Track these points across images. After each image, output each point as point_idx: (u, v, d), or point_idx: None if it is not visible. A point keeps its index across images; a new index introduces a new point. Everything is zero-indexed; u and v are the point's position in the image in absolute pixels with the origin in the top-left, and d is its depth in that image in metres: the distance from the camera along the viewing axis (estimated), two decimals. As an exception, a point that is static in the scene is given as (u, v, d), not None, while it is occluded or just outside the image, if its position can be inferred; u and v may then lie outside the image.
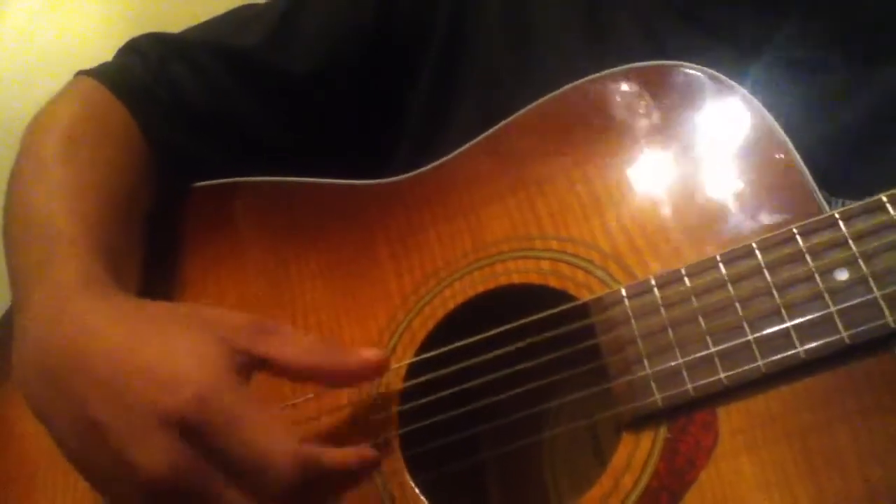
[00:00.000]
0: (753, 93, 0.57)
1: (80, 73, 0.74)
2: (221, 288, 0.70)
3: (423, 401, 0.58)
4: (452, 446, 0.58)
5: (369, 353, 0.56)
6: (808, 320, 0.48)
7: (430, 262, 0.63)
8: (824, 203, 0.52)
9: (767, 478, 0.47)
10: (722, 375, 0.49)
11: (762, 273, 0.50)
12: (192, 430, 0.49)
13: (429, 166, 0.67)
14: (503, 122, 0.65)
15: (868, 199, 0.50)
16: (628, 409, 0.51)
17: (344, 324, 0.64)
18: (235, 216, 0.73)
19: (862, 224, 0.49)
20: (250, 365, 0.53)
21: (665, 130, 0.59)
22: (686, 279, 0.52)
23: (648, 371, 0.51)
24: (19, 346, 0.56)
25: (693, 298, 0.52)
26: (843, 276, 0.49)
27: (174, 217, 0.74)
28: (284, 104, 0.76)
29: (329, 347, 0.56)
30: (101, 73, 0.73)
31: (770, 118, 0.55)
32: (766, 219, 0.53)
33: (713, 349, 0.50)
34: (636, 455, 0.51)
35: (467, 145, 0.66)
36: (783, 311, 0.49)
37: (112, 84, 0.72)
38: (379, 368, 0.57)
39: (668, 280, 0.53)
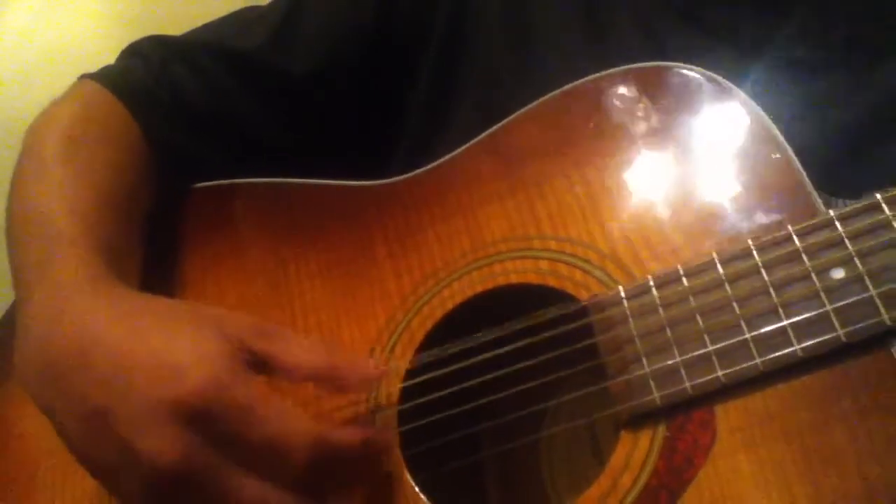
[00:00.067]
0: (753, 93, 0.57)
1: (83, 76, 0.75)
2: (221, 288, 0.70)
3: (423, 400, 0.58)
4: (451, 445, 0.58)
5: (368, 368, 0.56)
6: (805, 319, 0.49)
7: (428, 262, 0.63)
8: (820, 203, 0.52)
9: (765, 476, 0.47)
10: (720, 374, 0.50)
11: (759, 272, 0.51)
12: (202, 419, 0.49)
13: (427, 167, 0.68)
14: (502, 123, 0.65)
15: (864, 200, 0.50)
16: (626, 408, 0.51)
17: (343, 324, 0.64)
18: (235, 217, 0.73)
19: (858, 224, 0.49)
20: (253, 363, 0.53)
21: (663, 131, 0.59)
22: (684, 279, 0.53)
23: (647, 370, 0.51)
24: (21, 345, 0.56)
25: (691, 298, 0.52)
26: (839, 274, 0.49)
27: (174, 217, 0.74)
28: (284, 104, 0.76)
29: (330, 354, 0.55)
30: (102, 76, 0.74)
31: (767, 119, 0.56)
32: (763, 219, 0.53)
33: (711, 348, 0.50)
34: (635, 454, 0.51)
35: (466, 145, 0.66)
36: (780, 309, 0.49)
37: (113, 86, 0.72)
38: (376, 381, 0.58)
39: (666, 280, 0.53)
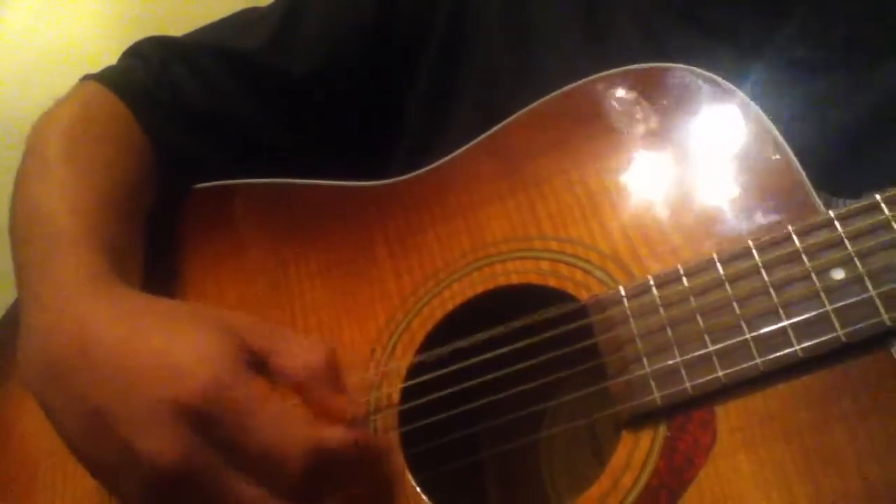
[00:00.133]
0: (753, 93, 0.57)
1: (85, 77, 0.75)
2: (221, 288, 0.70)
3: (424, 400, 0.58)
4: (452, 445, 0.58)
5: (352, 414, 0.55)
6: (805, 319, 0.49)
7: (429, 262, 0.63)
8: (820, 203, 0.52)
9: (766, 476, 0.47)
10: (720, 374, 0.50)
11: (759, 273, 0.51)
12: (202, 420, 0.49)
13: (427, 167, 0.68)
14: (502, 124, 0.65)
15: (864, 200, 0.50)
16: (627, 408, 0.52)
17: (344, 324, 0.64)
18: (235, 217, 0.73)
19: (857, 224, 0.50)
20: (253, 363, 0.53)
21: (663, 132, 0.59)
22: (684, 279, 0.53)
23: (647, 370, 0.52)
24: (23, 345, 0.57)
25: (691, 298, 0.52)
26: (839, 275, 0.49)
27: (174, 218, 0.74)
28: (284, 104, 0.76)
29: (329, 355, 0.55)
30: (104, 77, 0.74)
31: (766, 120, 0.56)
32: (762, 219, 0.53)
33: (711, 348, 0.50)
34: (636, 454, 0.51)
35: (466, 146, 0.66)
36: (780, 310, 0.49)
37: (115, 86, 0.72)
38: (374, 384, 0.58)
39: (667, 280, 0.53)
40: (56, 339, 0.55)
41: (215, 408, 0.49)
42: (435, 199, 0.65)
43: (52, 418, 0.54)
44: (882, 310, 0.47)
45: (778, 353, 0.49)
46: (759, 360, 0.49)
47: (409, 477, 0.57)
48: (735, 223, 0.54)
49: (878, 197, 0.50)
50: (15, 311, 0.71)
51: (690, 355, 0.51)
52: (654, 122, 0.59)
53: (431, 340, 0.60)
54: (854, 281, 0.48)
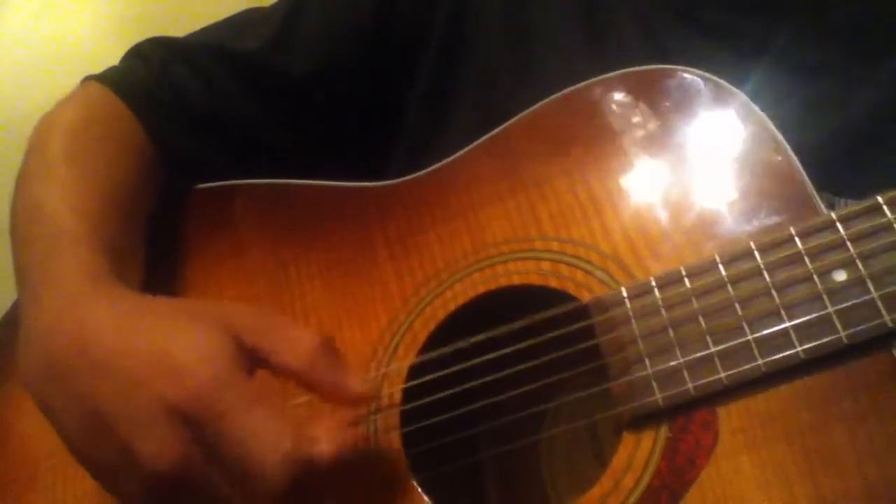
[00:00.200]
0: (753, 93, 0.57)
1: (87, 77, 0.75)
2: (221, 289, 0.70)
3: (425, 401, 0.58)
4: (452, 445, 0.58)
5: (363, 387, 0.54)
6: (807, 320, 0.49)
7: (430, 263, 0.63)
8: (822, 205, 0.52)
9: (767, 477, 0.48)
10: (722, 375, 0.50)
11: (761, 274, 0.51)
12: (193, 423, 0.49)
13: (428, 169, 0.68)
14: (503, 125, 0.65)
15: (865, 202, 0.50)
16: (629, 409, 0.52)
17: (344, 325, 0.64)
18: (235, 217, 0.73)
19: (859, 226, 0.50)
20: (253, 361, 0.53)
21: (664, 133, 0.59)
22: (686, 280, 0.53)
23: (649, 371, 0.52)
24: (24, 345, 0.56)
25: (693, 299, 0.52)
26: (841, 276, 0.49)
27: (175, 218, 0.74)
28: (284, 105, 0.76)
29: (330, 366, 0.54)
30: (105, 77, 0.74)
31: (767, 121, 0.56)
32: (764, 221, 0.53)
33: (713, 349, 0.50)
34: (637, 454, 0.51)
35: (466, 148, 0.66)
36: (782, 311, 0.50)
37: (116, 87, 0.72)
38: (369, 400, 0.57)
39: (669, 281, 0.53)
40: (56, 339, 0.54)
41: (200, 412, 0.49)
42: (435, 199, 0.65)
43: (51, 419, 0.54)
44: (884, 311, 0.47)
45: (780, 355, 0.49)
46: (760, 362, 0.49)
47: (410, 476, 0.57)
48: (736, 224, 0.54)
49: (879, 199, 0.50)
50: (15, 312, 0.71)
51: (692, 356, 0.51)
52: (654, 124, 0.60)
53: (434, 341, 0.60)
54: (856, 283, 0.49)
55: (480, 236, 0.62)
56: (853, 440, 0.47)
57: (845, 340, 0.48)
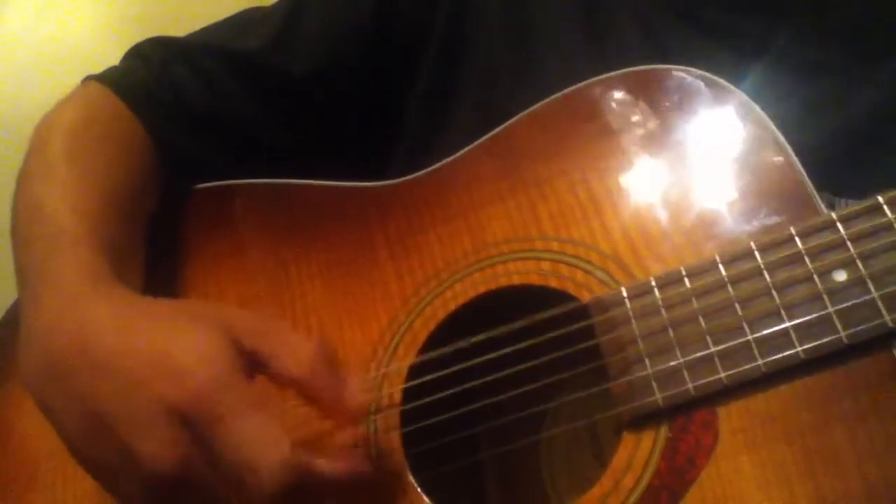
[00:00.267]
0: (754, 93, 0.57)
1: (87, 77, 0.75)
2: (222, 288, 0.70)
3: (426, 400, 0.58)
4: (452, 445, 0.58)
5: (361, 400, 0.55)
6: (807, 320, 0.49)
7: (430, 263, 0.63)
8: (822, 205, 0.52)
9: (767, 477, 0.48)
10: (722, 375, 0.50)
11: (762, 274, 0.51)
12: (191, 424, 0.49)
13: (428, 169, 0.68)
14: (503, 125, 0.65)
15: (866, 202, 0.50)
16: (629, 409, 0.52)
17: (345, 325, 0.64)
18: (235, 217, 0.73)
19: (860, 226, 0.50)
20: (252, 365, 0.53)
21: (664, 133, 0.59)
22: (686, 280, 0.53)
23: (649, 371, 0.52)
24: (24, 345, 0.56)
25: (693, 299, 0.52)
26: (841, 276, 0.49)
27: (175, 218, 0.74)
28: (285, 105, 0.76)
29: (330, 376, 0.53)
30: (105, 77, 0.74)
31: (768, 121, 0.56)
32: (764, 221, 0.53)
33: (713, 349, 0.50)
34: (637, 454, 0.51)
35: (466, 148, 0.66)
36: (782, 311, 0.50)
37: (116, 87, 0.73)
38: (365, 414, 0.57)
39: (669, 281, 0.53)
40: (56, 339, 0.54)
41: (199, 415, 0.49)
42: (435, 199, 0.65)
43: (51, 419, 0.54)
44: (884, 311, 0.47)
45: (780, 355, 0.49)
46: (760, 362, 0.49)
47: (410, 477, 0.57)
48: (737, 224, 0.54)
49: (880, 199, 0.50)
50: (15, 311, 0.71)
51: (692, 356, 0.51)
52: (654, 124, 0.60)
53: (433, 341, 0.60)
54: (856, 283, 0.49)
55: (481, 236, 0.62)
56: (853, 440, 0.47)
57: (845, 340, 0.48)
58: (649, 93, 0.60)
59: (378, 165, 0.77)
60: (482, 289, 0.60)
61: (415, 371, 0.60)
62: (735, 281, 0.51)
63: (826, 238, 0.50)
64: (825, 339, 0.48)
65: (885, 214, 0.49)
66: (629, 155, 0.59)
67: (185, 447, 0.49)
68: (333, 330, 0.64)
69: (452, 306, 0.61)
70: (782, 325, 0.49)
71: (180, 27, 0.81)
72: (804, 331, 0.49)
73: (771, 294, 0.50)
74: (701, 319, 0.51)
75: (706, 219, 0.55)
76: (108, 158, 0.68)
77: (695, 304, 0.52)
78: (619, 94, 0.62)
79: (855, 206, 0.50)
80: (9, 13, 1.28)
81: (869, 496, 0.46)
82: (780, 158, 0.54)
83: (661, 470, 0.50)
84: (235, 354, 0.52)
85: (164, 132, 0.73)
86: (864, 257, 0.49)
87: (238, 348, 0.52)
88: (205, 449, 0.49)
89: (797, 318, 0.49)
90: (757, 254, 0.51)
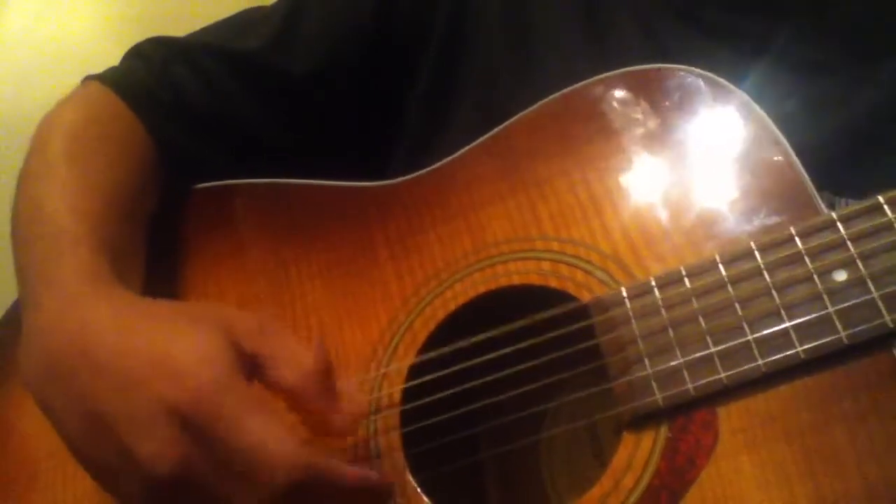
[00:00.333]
0: (754, 93, 0.57)
1: (87, 77, 0.75)
2: (221, 289, 0.70)
3: (426, 400, 0.58)
4: (452, 445, 0.58)
5: (348, 423, 0.54)
6: (807, 320, 0.49)
7: (430, 263, 0.63)
8: (822, 205, 0.52)
9: (767, 477, 0.47)
10: (722, 375, 0.50)
11: (762, 274, 0.51)
12: (192, 425, 0.49)
13: (428, 169, 0.68)
14: (502, 125, 0.65)
15: (866, 201, 0.50)
16: (629, 409, 0.52)
17: (345, 325, 0.64)
18: (235, 217, 0.73)
19: (860, 226, 0.50)
20: (251, 368, 0.53)
21: (664, 133, 0.59)
22: (686, 280, 0.53)
23: (649, 371, 0.52)
24: (24, 345, 0.56)
25: (693, 299, 0.52)
26: (841, 276, 0.49)
27: (175, 218, 0.74)
28: (285, 104, 0.76)
29: (325, 390, 0.53)
30: (105, 77, 0.74)
31: (768, 121, 0.56)
32: (764, 221, 0.53)
33: (713, 349, 0.50)
34: (637, 454, 0.51)
35: (466, 148, 0.66)
36: (782, 311, 0.50)
37: (116, 87, 0.73)
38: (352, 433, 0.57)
39: (669, 281, 0.53)
40: (57, 339, 0.54)
41: (203, 414, 0.49)
42: (436, 199, 0.65)
43: (51, 418, 0.54)
44: (884, 311, 0.47)
45: (780, 355, 0.49)
46: (760, 362, 0.49)
47: (410, 477, 0.57)
48: (737, 224, 0.54)
49: (880, 199, 0.50)
50: (15, 311, 0.71)
51: (692, 356, 0.51)
52: (654, 123, 0.60)
53: (433, 341, 0.60)
54: (856, 283, 0.48)
55: (481, 236, 0.62)
56: (853, 440, 0.47)
57: (845, 340, 0.48)
58: (649, 92, 0.60)
59: (378, 165, 0.77)
60: (482, 289, 0.60)
61: (415, 371, 0.60)
62: (735, 281, 0.51)
63: (826, 238, 0.50)
64: (825, 339, 0.48)
65: (885, 214, 0.49)
66: (629, 155, 0.59)
67: (185, 448, 0.48)
68: (333, 330, 0.64)
69: (452, 306, 0.61)
70: (782, 325, 0.49)
71: (180, 27, 0.81)
72: (804, 331, 0.49)
73: (771, 294, 0.50)
74: (701, 319, 0.51)
75: (706, 218, 0.55)
76: (108, 158, 0.68)
77: (695, 304, 0.52)
78: (619, 94, 0.61)
79: (855, 205, 0.50)
80: (9, 13, 1.28)
81: (869, 496, 0.46)
82: (781, 158, 0.54)
83: (661, 470, 0.50)
84: (235, 356, 0.52)
85: (165, 132, 0.73)
86: (865, 257, 0.49)
87: (237, 350, 0.52)
88: (205, 449, 0.49)
89: (797, 318, 0.49)
90: (757, 254, 0.51)
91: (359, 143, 0.79)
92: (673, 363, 0.51)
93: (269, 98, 0.76)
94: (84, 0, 1.31)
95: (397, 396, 0.60)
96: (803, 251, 0.50)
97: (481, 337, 0.58)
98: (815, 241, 0.50)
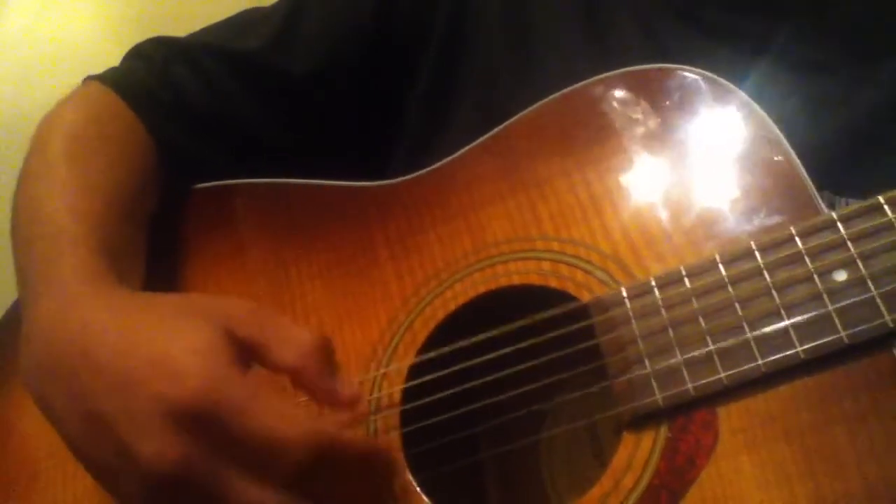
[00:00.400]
0: (754, 93, 0.57)
1: (88, 77, 0.75)
2: (222, 289, 0.70)
3: (425, 400, 0.58)
4: (452, 445, 0.58)
5: (353, 392, 0.54)
6: (807, 320, 0.49)
7: (430, 263, 0.63)
8: (822, 205, 0.52)
9: (767, 477, 0.47)
10: (722, 375, 0.50)
11: (762, 274, 0.51)
12: (201, 422, 0.49)
13: (428, 169, 0.68)
14: (502, 125, 0.65)
15: (866, 201, 0.50)
16: (629, 409, 0.52)
17: (345, 324, 0.64)
18: (235, 217, 0.73)
19: (860, 225, 0.50)
20: (248, 354, 0.53)
21: (664, 133, 0.59)
22: (686, 280, 0.53)
23: (649, 370, 0.52)
24: (25, 345, 0.56)
25: (693, 299, 0.52)
26: (841, 276, 0.49)
27: (175, 218, 0.74)
28: (285, 104, 0.76)
29: (325, 367, 0.53)
30: (106, 77, 0.74)
31: (768, 121, 0.56)
32: (764, 220, 0.53)
33: (713, 349, 0.50)
34: (637, 454, 0.51)
35: (466, 148, 0.66)
36: (782, 311, 0.50)
37: (117, 87, 0.73)
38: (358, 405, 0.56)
39: (669, 281, 0.53)
40: (57, 339, 0.54)
41: (216, 408, 0.48)
42: (436, 199, 0.65)
43: (51, 419, 0.54)
44: (884, 311, 0.47)
45: (780, 355, 0.49)
46: (760, 362, 0.49)
47: (410, 477, 0.57)
48: (737, 224, 0.54)
49: (880, 198, 0.50)
50: (15, 312, 0.71)
51: (692, 356, 0.51)
52: (654, 123, 0.60)
53: (433, 341, 0.60)
54: (856, 283, 0.48)
55: (481, 236, 0.62)
56: (853, 440, 0.47)
57: (846, 340, 0.48)
58: (650, 92, 0.60)
59: (378, 165, 0.77)
60: (482, 289, 0.60)
61: (415, 371, 0.60)
62: (735, 281, 0.51)
63: (826, 238, 0.50)
64: (825, 339, 0.48)
65: (885, 214, 0.49)
66: (629, 154, 0.59)
67: (186, 447, 0.48)
68: (333, 330, 0.64)
69: (452, 306, 0.61)
70: (782, 325, 0.49)
71: (180, 27, 0.81)
72: (804, 330, 0.49)
73: (771, 294, 0.50)
74: (701, 319, 0.51)
75: (706, 218, 0.55)
76: (108, 158, 0.68)
77: (695, 303, 0.52)
78: (619, 94, 0.62)
79: (855, 205, 0.50)
80: (9, 13, 1.28)
81: (869, 496, 0.46)
82: (781, 158, 0.54)
83: (661, 470, 0.50)
84: (228, 345, 0.51)
85: (165, 132, 0.73)
86: (865, 257, 0.49)
87: (230, 338, 0.52)
88: (210, 447, 0.49)
89: (797, 317, 0.49)
90: (757, 253, 0.51)
91: (359, 143, 0.79)
92: (673, 363, 0.51)
93: (269, 98, 0.76)
94: (84, 0, 1.31)
95: (397, 396, 0.60)
96: (803, 251, 0.50)
97: (481, 337, 0.59)
98: (815, 241, 0.50)
